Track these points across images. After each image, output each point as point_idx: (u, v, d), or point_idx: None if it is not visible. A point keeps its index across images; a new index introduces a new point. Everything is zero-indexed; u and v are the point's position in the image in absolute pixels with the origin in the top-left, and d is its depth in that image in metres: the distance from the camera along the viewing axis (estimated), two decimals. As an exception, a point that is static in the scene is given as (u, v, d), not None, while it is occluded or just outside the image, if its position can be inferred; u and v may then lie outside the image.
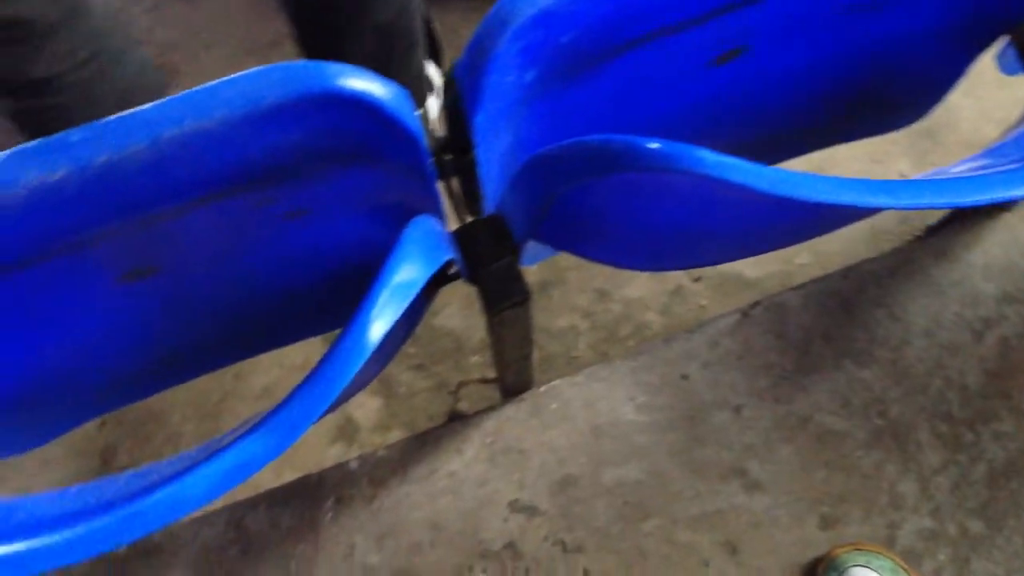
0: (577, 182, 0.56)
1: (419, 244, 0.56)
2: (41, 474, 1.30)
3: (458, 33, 1.54)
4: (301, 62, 0.54)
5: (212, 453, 0.51)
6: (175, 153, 0.53)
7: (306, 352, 1.31)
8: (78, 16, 0.94)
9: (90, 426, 1.32)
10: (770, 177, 0.49)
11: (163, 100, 0.53)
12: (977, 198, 0.52)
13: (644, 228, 0.70)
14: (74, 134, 0.53)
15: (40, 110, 1.01)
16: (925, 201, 0.50)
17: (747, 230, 0.69)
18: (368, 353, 0.50)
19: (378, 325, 0.51)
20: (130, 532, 0.48)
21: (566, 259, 1.36)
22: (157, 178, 0.55)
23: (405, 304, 0.52)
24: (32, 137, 1.07)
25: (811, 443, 0.97)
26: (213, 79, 0.54)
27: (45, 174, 0.53)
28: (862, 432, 0.97)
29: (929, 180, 0.52)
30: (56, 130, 1.03)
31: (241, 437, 0.51)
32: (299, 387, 0.52)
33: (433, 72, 1.40)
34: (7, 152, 0.54)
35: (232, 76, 0.53)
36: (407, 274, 0.53)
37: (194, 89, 0.53)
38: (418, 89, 1.26)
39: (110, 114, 1.01)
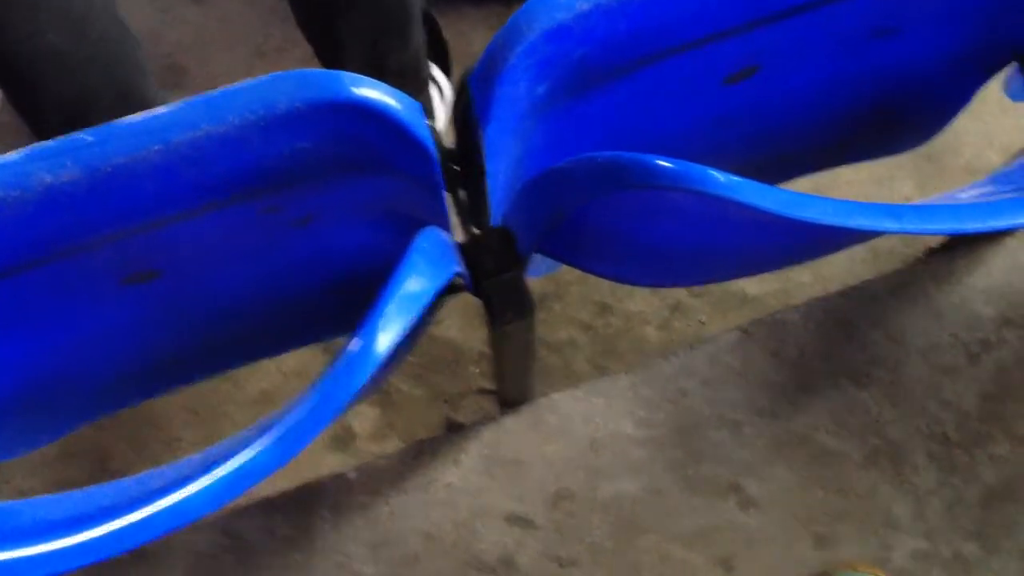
0: (586, 198, 0.57)
1: (427, 255, 0.56)
2: (36, 477, 1.30)
3: (468, 39, 1.54)
4: (315, 70, 0.54)
5: (214, 461, 0.51)
6: (188, 156, 0.53)
7: (303, 358, 1.31)
8: None
9: (85, 429, 1.30)
10: (778, 198, 0.49)
11: (177, 104, 0.53)
12: (982, 225, 0.53)
13: (650, 245, 0.70)
14: (87, 135, 0.53)
15: (23, 83, 1.01)
16: (932, 227, 0.51)
17: (753, 250, 0.69)
18: (376, 364, 0.50)
19: (385, 336, 0.51)
20: (133, 539, 0.49)
21: (568, 272, 1.36)
22: (168, 182, 0.56)
23: (413, 316, 0.52)
24: (31, 124, 1.07)
25: (808, 462, 0.97)
26: (223, 82, 0.54)
27: (57, 175, 0.53)
28: (858, 452, 0.97)
29: (936, 206, 0.52)
30: (44, 109, 1.04)
31: (244, 446, 0.51)
32: (304, 397, 0.53)
33: (440, 78, 1.40)
34: (19, 152, 0.54)
35: (247, 81, 0.53)
36: (415, 285, 0.53)
37: (208, 93, 0.53)
38: (416, 70, 1.25)
39: (88, 79, 1.01)
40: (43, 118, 1.05)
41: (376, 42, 1.14)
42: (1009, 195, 0.60)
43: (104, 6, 1.05)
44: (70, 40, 0.99)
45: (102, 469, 1.29)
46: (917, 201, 1.25)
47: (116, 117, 0.54)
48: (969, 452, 0.98)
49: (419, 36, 1.21)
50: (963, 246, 1.08)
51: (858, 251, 1.36)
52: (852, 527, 0.95)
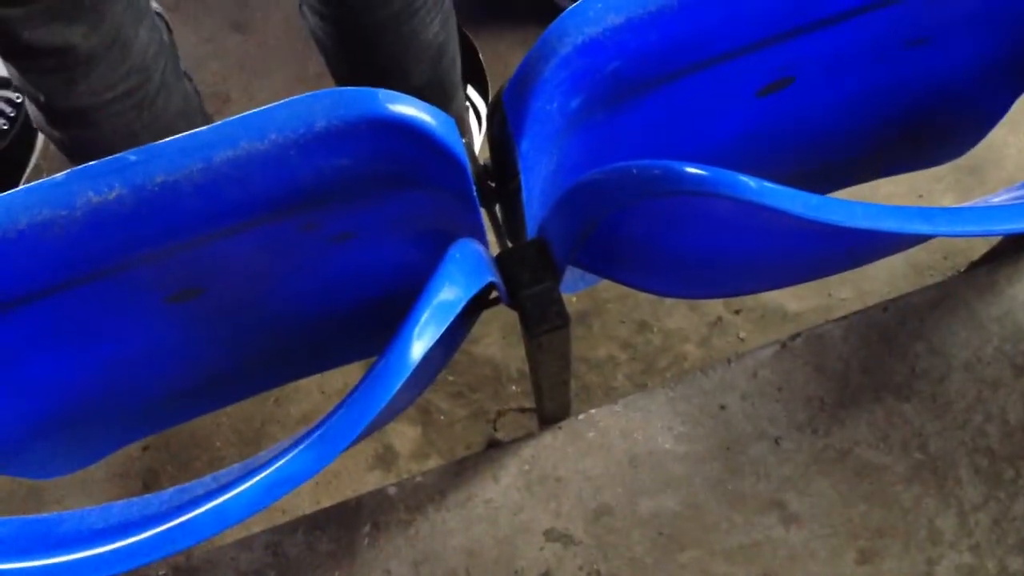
0: (618, 207, 0.57)
1: (461, 265, 0.57)
2: (84, 496, 1.32)
3: (505, 60, 1.56)
4: (352, 88, 0.55)
5: (254, 468, 0.52)
6: (229, 174, 0.54)
7: (345, 378, 1.32)
8: (120, 48, 0.96)
9: (132, 450, 1.34)
10: (807, 202, 0.49)
11: (219, 123, 0.54)
12: (1017, 226, 0.53)
13: (683, 255, 0.71)
14: (131, 154, 0.54)
15: (85, 141, 1.03)
16: (964, 228, 0.50)
17: (786, 258, 0.69)
18: (409, 371, 0.51)
19: (420, 344, 0.52)
20: (172, 544, 0.49)
21: (607, 290, 1.36)
22: (210, 199, 0.57)
23: (446, 324, 0.53)
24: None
25: (850, 476, 0.96)
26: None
27: (102, 194, 0.55)
28: (901, 466, 0.96)
29: (968, 208, 0.52)
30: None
31: (282, 453, 0.52)
32: (340, 404, 0.53)
33: (476, 99, 1.41)
34: (66, 172, 0.55)
35: (285, 100, 0.54)
36: (449, 294, 0.54)
37: (249, 112, 0.55)
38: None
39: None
40: None
41: None
42: (1044, 199, 0.59)
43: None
44: None
45: (149, 489, 1.30)
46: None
47: None
48: (1015, 466, 0.96)
49: (459, 107, 1.23)
50: (1005, 257, 1.07)
51: (899, 267, 1.35)
52: (896, 542, 0.94)
